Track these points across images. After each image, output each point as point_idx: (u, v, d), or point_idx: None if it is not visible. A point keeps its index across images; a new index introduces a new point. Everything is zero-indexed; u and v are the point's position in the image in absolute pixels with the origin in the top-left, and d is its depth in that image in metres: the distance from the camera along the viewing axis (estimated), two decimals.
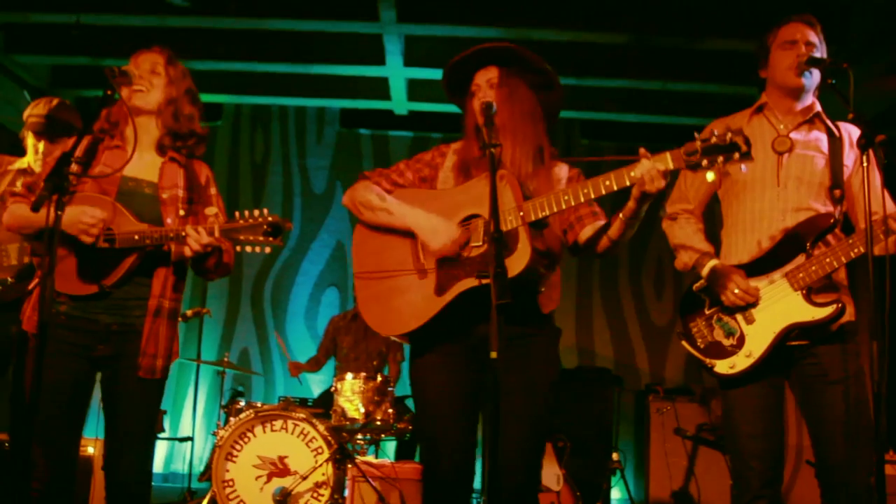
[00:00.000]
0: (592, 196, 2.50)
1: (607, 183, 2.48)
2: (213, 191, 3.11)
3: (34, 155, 3.81)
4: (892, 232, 2.70)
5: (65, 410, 2.83)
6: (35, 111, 3.81)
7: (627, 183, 2.46)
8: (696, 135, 2.39)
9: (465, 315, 2.61)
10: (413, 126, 8.39)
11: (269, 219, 2.73)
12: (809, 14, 2.99)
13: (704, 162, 2.33)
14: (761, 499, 2.79)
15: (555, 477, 5.16)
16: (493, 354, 2.15)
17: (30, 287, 2.99)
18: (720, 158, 2.31)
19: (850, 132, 2.96)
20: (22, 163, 3.82)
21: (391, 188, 2.87)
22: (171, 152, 3.02)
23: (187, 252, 2.79)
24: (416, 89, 7.56)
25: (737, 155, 2.30)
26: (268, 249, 2.77)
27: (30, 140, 3.83)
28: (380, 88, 7.46)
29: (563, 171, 2.82)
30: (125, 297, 2.89)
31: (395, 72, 7.03)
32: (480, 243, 2.60)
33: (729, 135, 2.31)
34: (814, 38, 2.95)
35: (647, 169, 2.42)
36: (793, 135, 2.95)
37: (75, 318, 2.85)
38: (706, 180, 3.06)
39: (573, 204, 2.52)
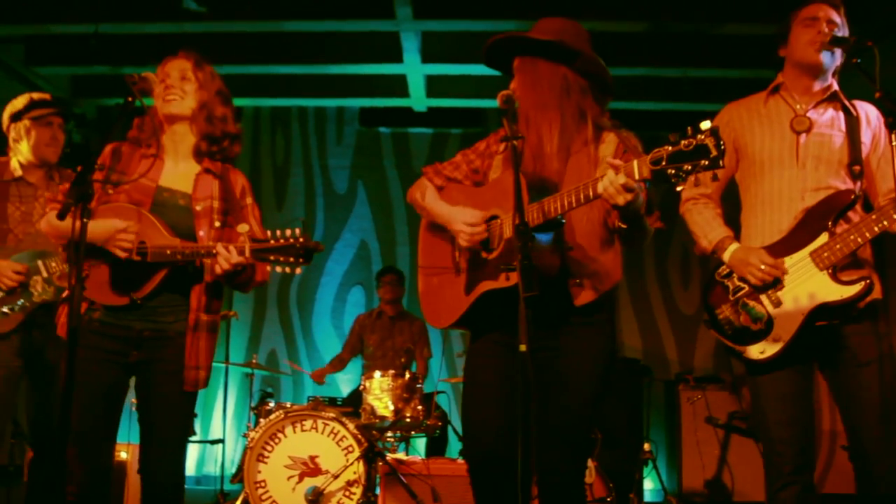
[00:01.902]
0: (575, 205, 2.39)
1: (587, 192, 2.35)
2: (248, 200, 3.08)
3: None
4: None
5: (99, 417, 2.84)
6: (16, 109, 3.73)
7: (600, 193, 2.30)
8: (669, 138, 2.16)
9: (498, 310, 2.59)
10: (433, 122, 8.38)
11: (301, 240, 2.72)
12: None
13: (671, 171, 2.12)
14: (793, 485, 2.76)
15: (586, 469, 5.14)
16: (522, 347, 2.14)
17: (64, 295, 2.98)
18: (686, 167, 2.10)
19: (868, 111, 2.94)
20: (14, 168, 3.74)
21: (444, 183, 2.90)
22: (206, 162, 3.00)
23: (217, 270, 2.77)
24: (435, 85, 7.55)
25: (704, 162, 2.07)
26: (298, 270, 2.75)
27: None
28: (398, 86, 7.45)
29: (610, 147, 2.65)
30: (158, 304, 2.89)
31: (413, 69, 7.02)
32: (496, 246, 2.60)
33: (698, 137, 2.10)
34: (836, 17, 2.90)
35: (608, 184, 2.25)
36: (810, 114, 2.92)
37: (108, 325, 2.86)
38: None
39: (560, 211, 2.43)
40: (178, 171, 2.98)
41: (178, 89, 2.95)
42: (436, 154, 8.43)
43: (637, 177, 2.22)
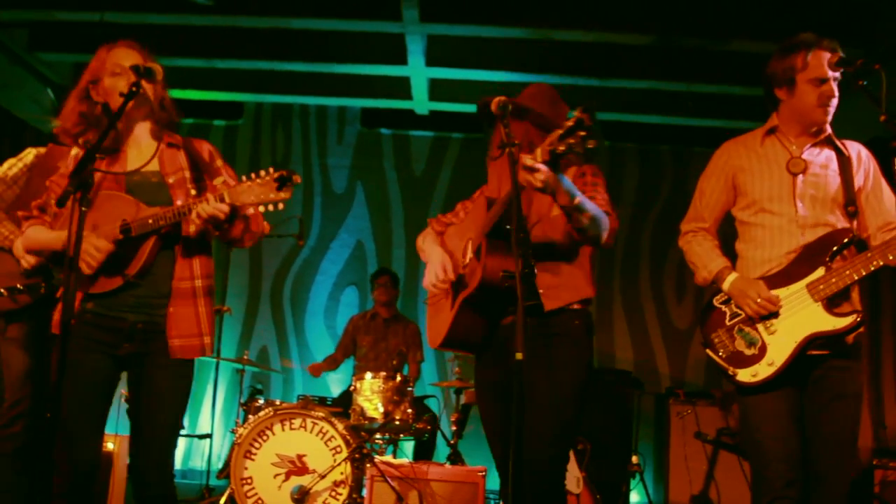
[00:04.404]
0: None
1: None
2: (219, 162, 3.11)
3: None
4: None
5: (89, 409, 2.84)
6: None
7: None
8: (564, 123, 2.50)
9: (483, 322, 2.97)
10: (434, 126, 8.38)
11: (275, 174, 2.71)
12: (835, 41, 2.98)
13: (561, 147, 2.45)
14: (784, 499, 2.84)
15: (575, 480, 5.13)
16: (519, 356, 2.16)
17: (59, 294, 2.98)
18: (570, 141, 2.43)
19: (859, 149, 3.08)
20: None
21: (444, 229, 3.39)
22: (166, 137, 3.03)
23: (196, 219, 2.77)
24: (438, 89, 7.55)
25: (581, 133, 2.41)
26: (280, 206, 2.73)
27: None
28: (401, 88, 7.45)
29: (569, 176, 2.93)
30: (151, 294, 2.90)
31: (417, 71, 7.02)
32: (467, 262, 3.00)
33: (574, 116, 2.42)
34: (838, 73, 2.97)
35: (522, 173, 2.59)
36: (805, 155, 3.04)
37: (101, 316, 2.87)
38: (720, 199, 3.19)
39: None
40: (142, 153, 2.98)
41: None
42: (436, 157, 8.44)
43: (539, 159, 2.56)
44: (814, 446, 2.90)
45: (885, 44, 5.77)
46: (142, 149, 3.01)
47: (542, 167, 2.56)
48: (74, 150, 3.06)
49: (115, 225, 2.83)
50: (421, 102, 7.69)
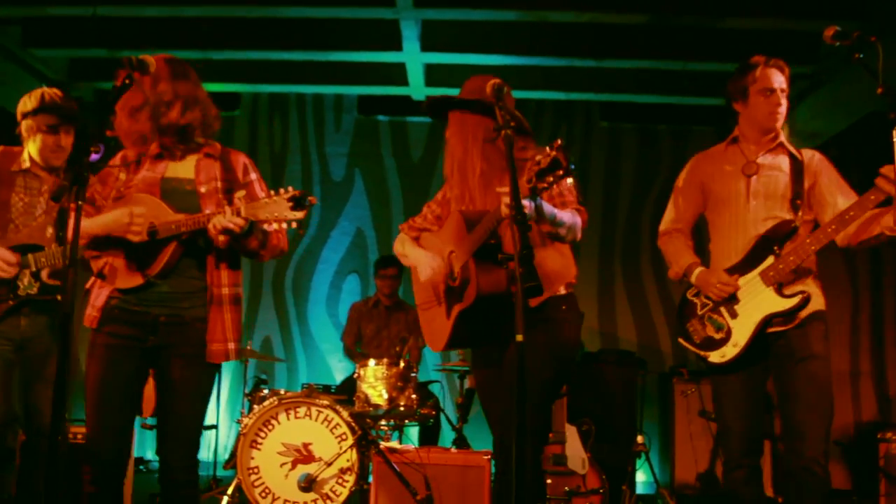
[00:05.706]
0: (492, 227, 2.89)
1: (497, 215, 2.84)
2: (252, 176, 3.22)
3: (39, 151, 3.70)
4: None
5: (115, 404, 2.95)
6: (26, 108, 3.70)
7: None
8: (535, 158, 2.59)
9: (480, 328, 3.12)
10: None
11: (291, 194, 2.84)
12: (781, 60, 3.45)
13: (542, 185, 2.57)
14: (741, 468, 3.35)
15: (580, 461, 5.15)
16: (519, 337, 2.18)
17: (87, 286, 3.11)
18: (549, 179, 2.54)
19: (813, 155, 3.48)
20: (24, 159, 3.72)
21: (418, 234, 3.50)
22: (206, 148, 3.14)
23: (212, 231, 2.90)
24: (434, 74, 7.51)
25: (560, 172, 2.52)
26: (294, 224, 2.87)
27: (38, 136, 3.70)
28: (397, 74, 7.42)
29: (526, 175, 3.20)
30: (174, 289, 3.02)
31: (413, 57, 6.99)
32: (457, 275, 3.10)
33: (550, 153, 2.53)
34: (785, 82, 3.44)
35: (503, 206, 2.74)
36: (759, 159, 3.47)
37: (126, 312, 2.99)
38: (692, 204, 3.63)
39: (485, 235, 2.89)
40: (179, 162, 3.12)
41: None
42: (433, 143, 8.41)
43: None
44: (790, 408, 3.26)
45: (880, 16, 5.74)
46: (178, 157, 3.13)
47: (526, 202, 2.68)
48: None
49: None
50: (417, 88, 7.66)
